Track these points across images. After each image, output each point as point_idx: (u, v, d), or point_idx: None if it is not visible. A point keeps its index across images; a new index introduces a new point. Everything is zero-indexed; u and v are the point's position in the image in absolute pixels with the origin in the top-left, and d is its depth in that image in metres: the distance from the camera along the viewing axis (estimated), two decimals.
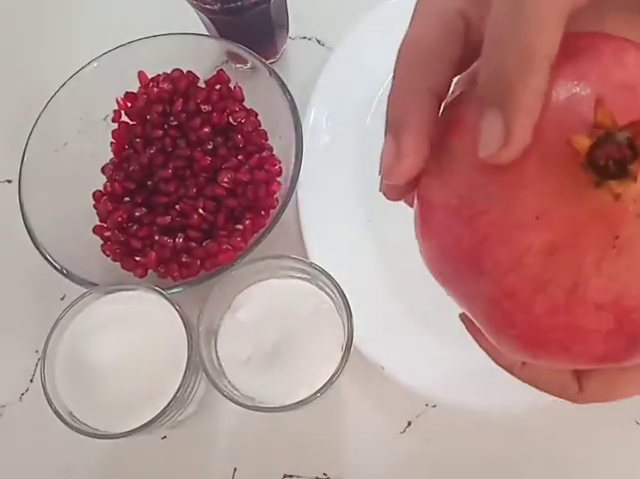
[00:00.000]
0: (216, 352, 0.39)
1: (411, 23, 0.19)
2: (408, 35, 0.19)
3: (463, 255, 0.18)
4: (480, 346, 0.22)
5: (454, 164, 0.18)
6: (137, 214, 0.45)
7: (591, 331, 0.16)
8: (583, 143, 0.15)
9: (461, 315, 0.22)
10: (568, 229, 0.16)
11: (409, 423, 0.43)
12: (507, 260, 0.17)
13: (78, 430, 0.36)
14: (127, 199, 0.46)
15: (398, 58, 0.19)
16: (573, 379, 0.21)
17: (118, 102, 0.48)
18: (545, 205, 0.16)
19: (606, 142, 0.15)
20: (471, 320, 0.20)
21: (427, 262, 0.20)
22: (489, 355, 0.22)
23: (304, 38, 0.54)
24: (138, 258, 0.45)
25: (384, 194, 0.20)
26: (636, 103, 0.16)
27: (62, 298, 0.47)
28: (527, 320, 0.17)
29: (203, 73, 0.48)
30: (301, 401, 0.35)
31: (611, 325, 0.16)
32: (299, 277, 0.39)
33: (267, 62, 0.46)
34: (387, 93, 0.19)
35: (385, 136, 0.19)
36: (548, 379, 0.22)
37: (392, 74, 0.19)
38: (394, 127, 0.19)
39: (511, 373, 0.22)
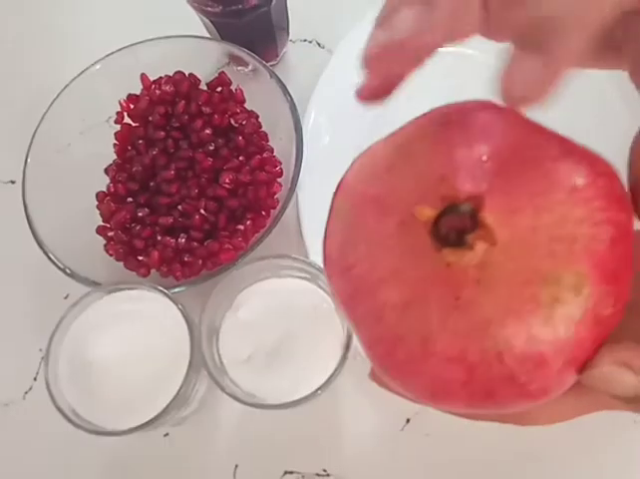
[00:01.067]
0: (218, 351, 0.39)
1: None
2: None
3: (343, 304, 0.20)
4: (392, 392, 0.23)
5: (337, 222, 0.20)
6: (139, 214, 0.45)
7: (449, 381, 0.18)
8: (426, 213, 0.17)
9: (369, 375, 0.23)
10: (418, 288, 0.17)
11: (408, 420, 0.43)
12: (372, 313, 0.18)
13: (81, 428, 0.36)
14: (129, 199, 0.47)
15: None
16: None
17: (120, 104, 0.48)
18: (399, 265, 0.18)
19: (450, 212, 0.17)
20: (375, 374, 0.22)
21: None
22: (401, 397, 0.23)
23: (304, 41, 0.54)
24: (140, 258, 0.45)
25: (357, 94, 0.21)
26: (492, 175, 0.17)
27: (65, 297, 0.47)
28: (395, 367, 0.18)
29: (205, 75, 0.49)
30: (302, 399, 0.36)
31: (464, 377, 0.17)
32: (300, 277, 0.40)
33: (268, 64, 0.47)
34: None
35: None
36: None
37: None
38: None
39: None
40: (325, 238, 0.21)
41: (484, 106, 0.19)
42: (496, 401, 0.18)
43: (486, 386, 0.17)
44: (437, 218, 0.17)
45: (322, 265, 0.21)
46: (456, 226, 0.17)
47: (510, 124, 0.19)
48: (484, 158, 0.18)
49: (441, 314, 0.17)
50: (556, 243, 0.17)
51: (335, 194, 0.21)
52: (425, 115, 0.20)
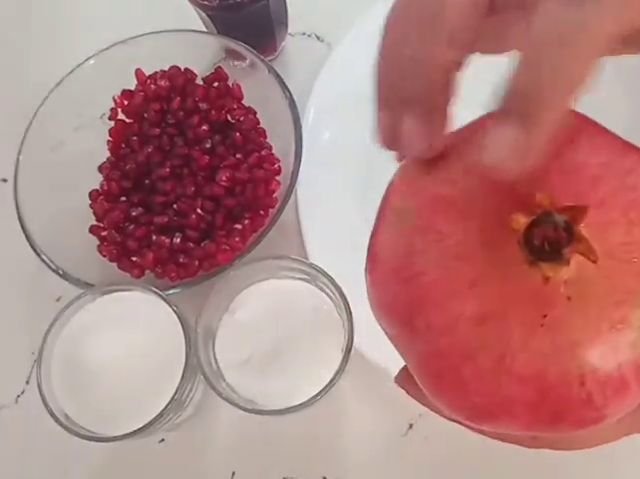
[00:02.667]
0: (215, 354, 0.38)
1: None
2: None
3: (399, 313, 0.18)
4: (421, 404, 0.22)
5: (398, 224, 0.19)
6: (133, 213, 0.45)
7: (516, 401, 0.17)
8: (520, 221, 0.16)
9: (395, 379, 0.22)
10: (499, 302, 0.16)
11: (410, 425, 0.43)
12: (440, 325, 0.17)
13: (74, 433, 0.36)
14: (123, 198, 0.46)
15: (397, 16, 0.18)
16: None
17: (114, 100, 0.47)
18: (479, 276, 0.17)
19: (544, 222, 0.16)
20: (406, 381, 0.21)
21: (371, 309, 0.20)
22: (433, 411, 0.22)
23: (303, 34, 0.53)
24: (134, 259, 0.44)
25: (398, 161, 0.20)
26: (582, 188, 0.17)
27: (58, 299, 0.47)
28: (455, 382, 0.17)
29: (201, 70, 0.48)
30: (301, 404, 0.35)
31: (535, 399, 0.17)
32: (299, 278, 0.39)
33: (266, 59, 0.46)
34: None
35: (385, 108, 0.18)
36: None
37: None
38: (419, 103, 0.17)
39: (460, 424, 0.21)
40: (375, 239, 0.19)
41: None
42: (561, 425, 0.17)
43: (557, 410, 0.17)
44: (527, 227, 0.16)
45: (364, 267, 0.20)
46: (550, 237, 0.16)
47: (594, 134, 0.18)
48: (575, 167, 0.17)
49: (524, 332, 0.16)
50: None
51: (391, 191, 0.19)
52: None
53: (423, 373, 0.18)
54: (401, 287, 0.18)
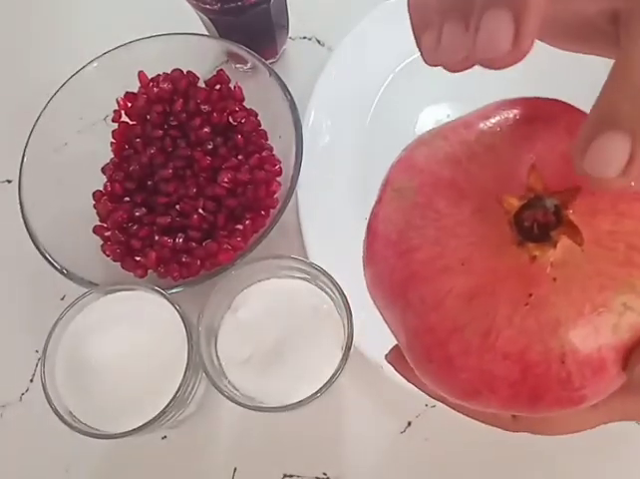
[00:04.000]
0: (217, 352, 0.39)
1: None
2: None
3: (393, 286, 0.19)
4: (409, 382, 0.22)
5: (399, 201, 0.19)
6: (137, 214, 0.45)
7: (498, 378, 0.17)
8: (512, 203, 0.16)
9: (386, 357, 0.23)
10: (488, 279, 0.17)
11: (409, 423, 0.43)
12: (431, 299, 0.18)
13: (78, 430, 0.36)
14: (127, 199, 0.46)
15: None
16: None
17: (118, 102, 0.48)
18: (471, 254, 0.17)
19: (535, 205, 0.16)
20: (397, 359, 0.21)
21: (367, 287, 0.21)
22: (419, 389, 0.22)
23: (304, 38, 0.54)
24: (138, 258, 0.45)
25: (448, 68, 0.18)
26: (575, 178, 0.17)
27: (62, 298, 0.47)
28: (443, 357, 0.18)
29: (203, 73, 0.48)
30: (301, 401, 0.35)
31: (516, 375, 0.17)
32: (299, 277, 0.39)
33: (267, 62, 0.46)
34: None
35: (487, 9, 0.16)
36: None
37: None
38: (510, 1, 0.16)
39: (444, 403, 0.22)
40: (375, 215, 0.20)
41: (567, 107, 0.19)
42: (540, 404, 0.18)
43: (537, 387, 0.17)
44: (519, 210, 0.16)
45: (364, 243, 0.20)
46: (539, 219, 0.16)
47: None
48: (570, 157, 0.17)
49: (509, 309, 0.17)
50: (634, 252, 0.17)
51: (395, 169, 0.20)
52: (499, 106, 0.19)
53: (412, 349, 0.19)
54: (397, 261, 0.19)
